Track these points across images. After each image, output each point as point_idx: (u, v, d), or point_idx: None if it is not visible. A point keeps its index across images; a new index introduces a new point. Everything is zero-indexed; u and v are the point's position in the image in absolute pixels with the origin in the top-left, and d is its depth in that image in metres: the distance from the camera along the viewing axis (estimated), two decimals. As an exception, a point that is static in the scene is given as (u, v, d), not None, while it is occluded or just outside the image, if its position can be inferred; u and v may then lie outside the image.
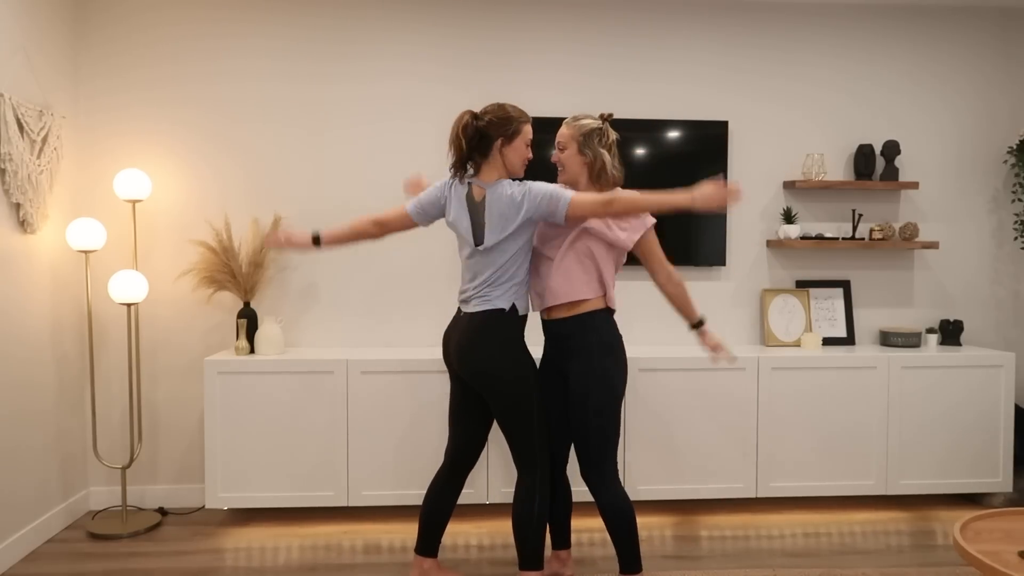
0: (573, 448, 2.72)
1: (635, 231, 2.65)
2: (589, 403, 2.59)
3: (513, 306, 2.61)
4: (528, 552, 2.63)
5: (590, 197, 2.54)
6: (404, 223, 2.77)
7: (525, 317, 2.67)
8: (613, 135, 2.69)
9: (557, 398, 2.73)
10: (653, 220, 2.68)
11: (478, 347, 2.60)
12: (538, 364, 2.77)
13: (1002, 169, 4.04)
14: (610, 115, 2.73)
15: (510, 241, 2.58)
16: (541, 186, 2.56)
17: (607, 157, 2.65)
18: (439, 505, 2.80)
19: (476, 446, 2.80)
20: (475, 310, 2.62)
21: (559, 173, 2.73)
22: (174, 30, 3.68)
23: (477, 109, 2.63)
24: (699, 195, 2.50)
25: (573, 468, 2.81)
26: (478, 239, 2.60)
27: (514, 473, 2.70)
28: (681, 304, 2.74)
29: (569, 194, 2.52)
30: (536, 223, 2.61)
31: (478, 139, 2.58)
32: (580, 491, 2.91)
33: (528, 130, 2.63)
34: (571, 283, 2.63)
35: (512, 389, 2.59)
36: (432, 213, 2.75)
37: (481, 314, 2.60)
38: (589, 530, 3.40)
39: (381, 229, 2.78)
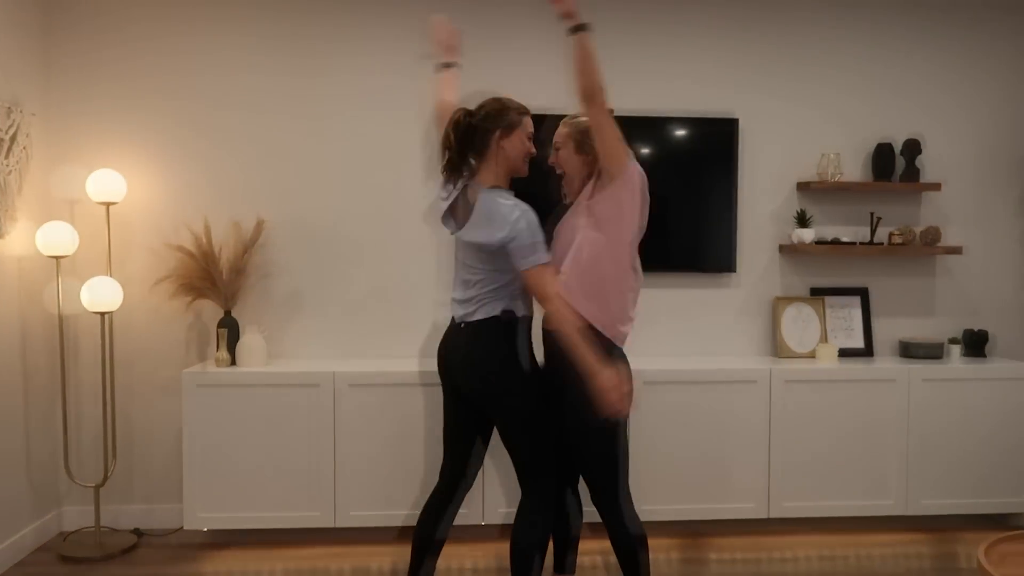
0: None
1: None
2: (590, 427, 2.56)
3: (512, 310, 2.58)
4: (524, 579, 2.61)
5: (544, 281, 2.49)
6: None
7: (528, 321, 2.65)
8: None
9: (558, 415, 2.70)
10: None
11: (478, 357, 2.59)
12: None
13: (1030, 170, 4.06)
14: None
15: (494, 255, 2.54)
16: (529, 232, 2.48)
17: None
18: (433, 528, 2.78)
19: (473, 466, 2.79)
20: (473, 319, 2.59)
21: (561, 177, 2.74)
22: (151, 23, 3.67)
23: (467, 105, 2.64)
24: (603, 379, 2.42)
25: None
26: (457, 227, 2.63)
27: (512, 492, 2.72)
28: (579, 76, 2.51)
29: (539, 259, 2.48)
30: None
31: (472, 135, 2.56)
32: (589, 511, 2.88)
33: (528, 122, 2.62)
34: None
35: (517, 401, 2.58)
36: None
37: (479, 322, 2.58)
38: (590, 552, 3.37)
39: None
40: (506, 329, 2.59)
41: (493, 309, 2.58)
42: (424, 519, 2.78)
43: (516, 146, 2.59)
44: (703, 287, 3.92)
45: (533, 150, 2.65)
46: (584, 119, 2.65)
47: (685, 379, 3.55)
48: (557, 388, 2.66)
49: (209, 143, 3.72)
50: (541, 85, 3.73)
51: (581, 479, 2.81)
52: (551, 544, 2.87)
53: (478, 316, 2.59)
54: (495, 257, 2.54)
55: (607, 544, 2.68)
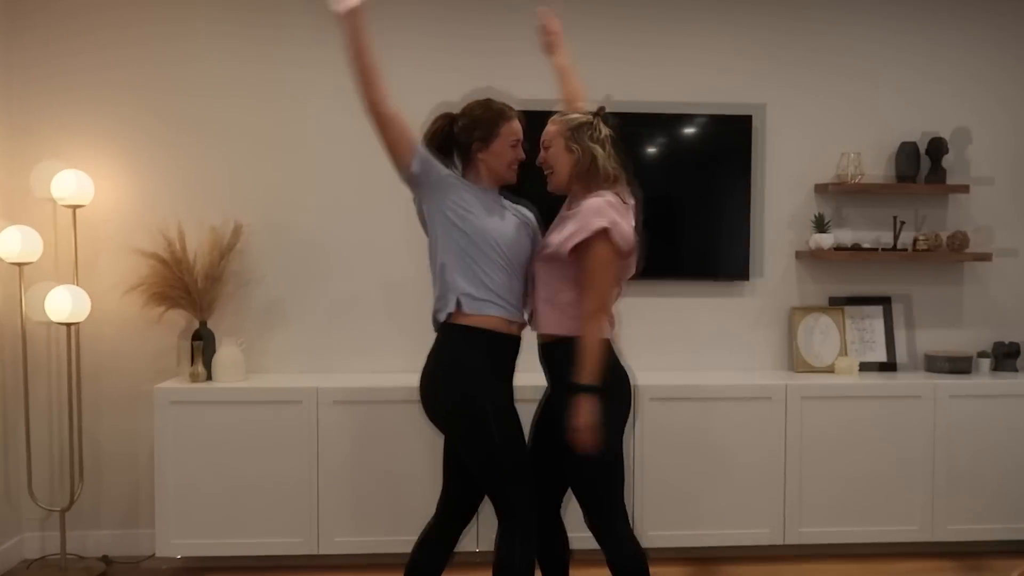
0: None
1: (574, 236, 2.48)
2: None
3: (456, 316, 2.50)
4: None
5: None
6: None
7: (487, 331, 2.52)
8: (606, 130, 2.62)
9: (550, 428, 2.62)
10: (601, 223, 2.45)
11: (426, 374, 2.57)
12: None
13: (1064, 170, 4.01)
14: (602, 108, 2.67)
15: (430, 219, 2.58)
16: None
17: (599, 151, 2.59)
18: (428, 563, 2.69)
19: (472, 496, 2.69)
20: (439, 320, 2.58)
21: (548, 176, 2.67)
22: (118, 10, 3.62)
23: (461, 100, 2.62)
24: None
25: (574, 511, 2.71)
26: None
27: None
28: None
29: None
30: (437, 192, 2.50)
31: (452, 145, 2.58)
32: (587, 536, 2.77)
33: (511, 129, 2.57)
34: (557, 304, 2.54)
35: (465, 426, 2.50)
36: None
37: (441, 326, 2.56)
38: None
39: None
40: (454, 337, 2.52)
41: (439, 314, 2.55)
42: (418, 554, 2.69)
43: (497, 157, 2.57)
44: (715, 296, 3.89)
45: (521, 156, 2.61)
46: (574, 115, 2.61)
47: (695, 395, 3.54)
48: (547, 401, 2.66)
49: (183, 143, 3.68)
50: (540, 80, 3.60)
51: (563, 500, 2.77)
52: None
53: (441, 317, 2.55)
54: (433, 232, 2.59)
55: (605, 572, 2.64)
